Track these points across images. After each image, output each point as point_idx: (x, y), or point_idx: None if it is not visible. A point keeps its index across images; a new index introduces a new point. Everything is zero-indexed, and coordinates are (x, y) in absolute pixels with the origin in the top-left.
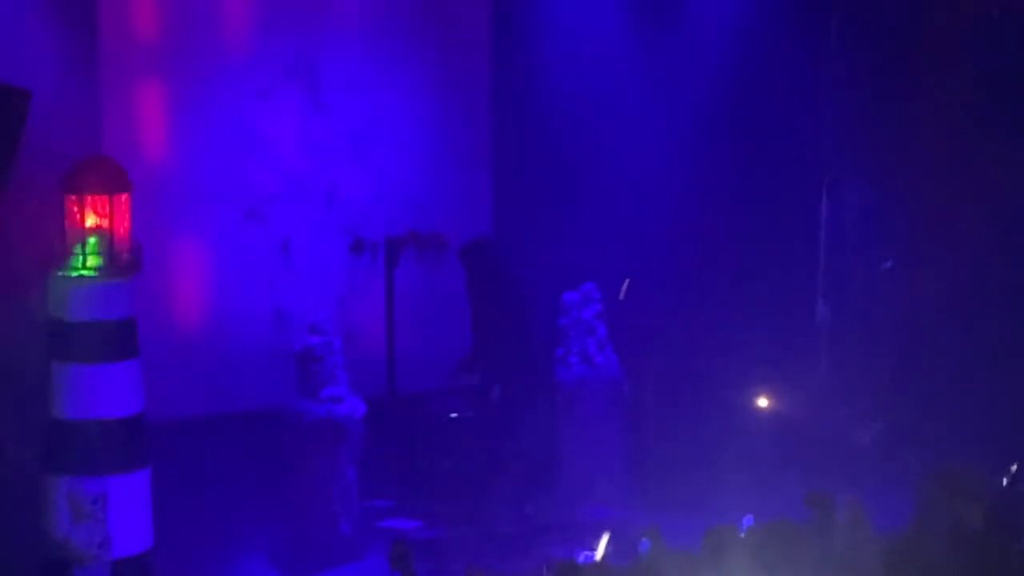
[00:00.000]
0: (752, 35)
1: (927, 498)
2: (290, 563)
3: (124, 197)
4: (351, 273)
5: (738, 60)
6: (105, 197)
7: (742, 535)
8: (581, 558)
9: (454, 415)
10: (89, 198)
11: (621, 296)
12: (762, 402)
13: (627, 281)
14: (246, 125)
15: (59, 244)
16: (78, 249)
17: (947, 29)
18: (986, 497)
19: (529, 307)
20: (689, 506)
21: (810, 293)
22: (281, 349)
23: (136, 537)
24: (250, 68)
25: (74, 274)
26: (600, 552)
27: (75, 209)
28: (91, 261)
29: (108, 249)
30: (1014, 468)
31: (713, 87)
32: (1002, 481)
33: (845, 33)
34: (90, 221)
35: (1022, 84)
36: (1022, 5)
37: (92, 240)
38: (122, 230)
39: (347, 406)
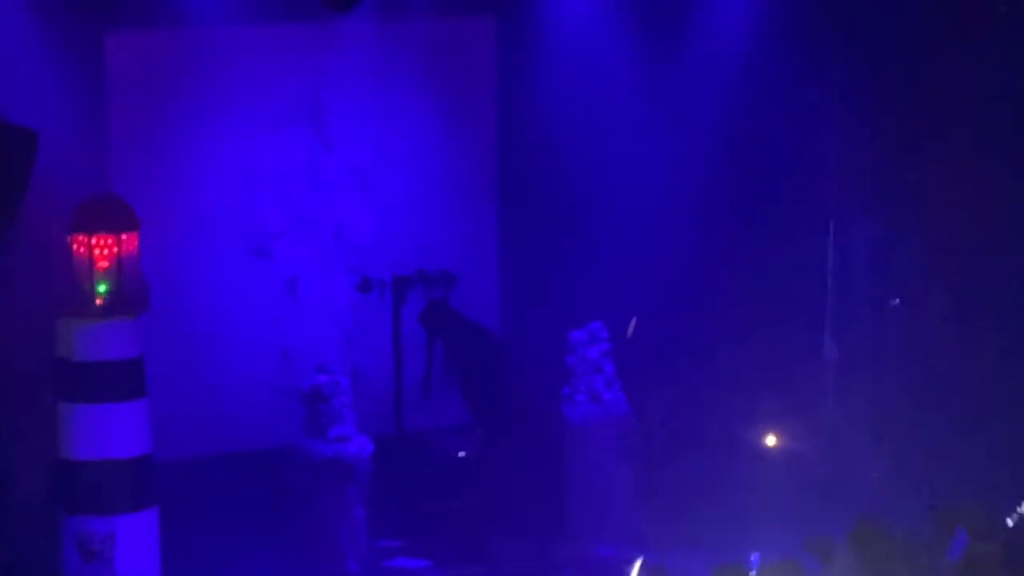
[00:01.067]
0: (758, 70)
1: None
2: None
3: (132, 236)
4: (358, 311)
5: (743, 95)
6: (113, 236)
7: (753, 575)
8: None
9: (462, 453)
10: (96, 237)
11: (628, 334)
12: (770, 439)
13: (634, 319)
14: (253, 163)
15: (66, 283)
16: (85, 288)
17: (956, 64)
18: (999, 534)
19: (504, 350)
20: (698, 544)
21: (817, 329)
22: (288, 388)
23: None
24: (258, 105)
25: (81, 313)
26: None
27: (82, 248)
28: (98, 300)
29: (115, 288)
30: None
31: (719, 124)
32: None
33: (852, 68)
34: (97, 260)
35: None
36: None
37: (99, 279)
38: (130, 269)
39: (355, 445)
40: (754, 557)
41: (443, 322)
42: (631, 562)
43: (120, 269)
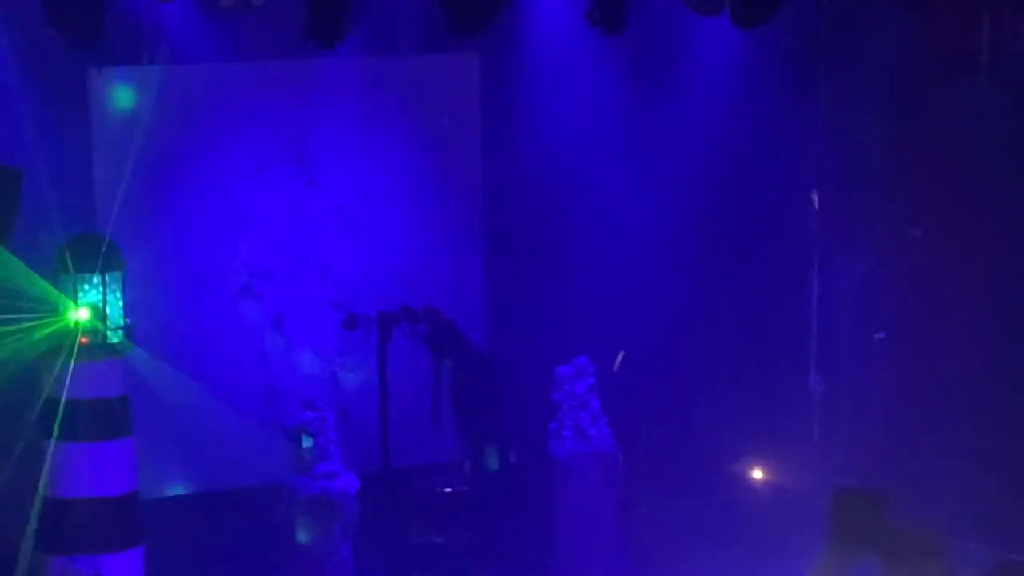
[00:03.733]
0: (743, 106)
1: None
2: None
3: (117, 275)
4: (344, 348)
5: (729, 130)
6: (98, 275)
7: None
8: None
9: (448, 489)
10: (81, 276)
11: (615, 368)
12: (757, 474)
13: (621, 354)
14: (239, 201)
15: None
16: (70, 327)
17: (942, 98)
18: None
19: (498, 372)
20: None
21: (803, 365)
22: (274, 425)
23: None
24: (243, 143)
25: (66, 352)
26: None
27: (67, 287)
28: (83, 339)
29: (101, 327)
30: None
31: (704, 158)
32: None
33: (836, 101)
34: (82, 299)
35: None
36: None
37: (84, 318)
38: (115, 308)
39: (341, 482)
40: None
41: (451, 344)
42: None
43: (105, 308)
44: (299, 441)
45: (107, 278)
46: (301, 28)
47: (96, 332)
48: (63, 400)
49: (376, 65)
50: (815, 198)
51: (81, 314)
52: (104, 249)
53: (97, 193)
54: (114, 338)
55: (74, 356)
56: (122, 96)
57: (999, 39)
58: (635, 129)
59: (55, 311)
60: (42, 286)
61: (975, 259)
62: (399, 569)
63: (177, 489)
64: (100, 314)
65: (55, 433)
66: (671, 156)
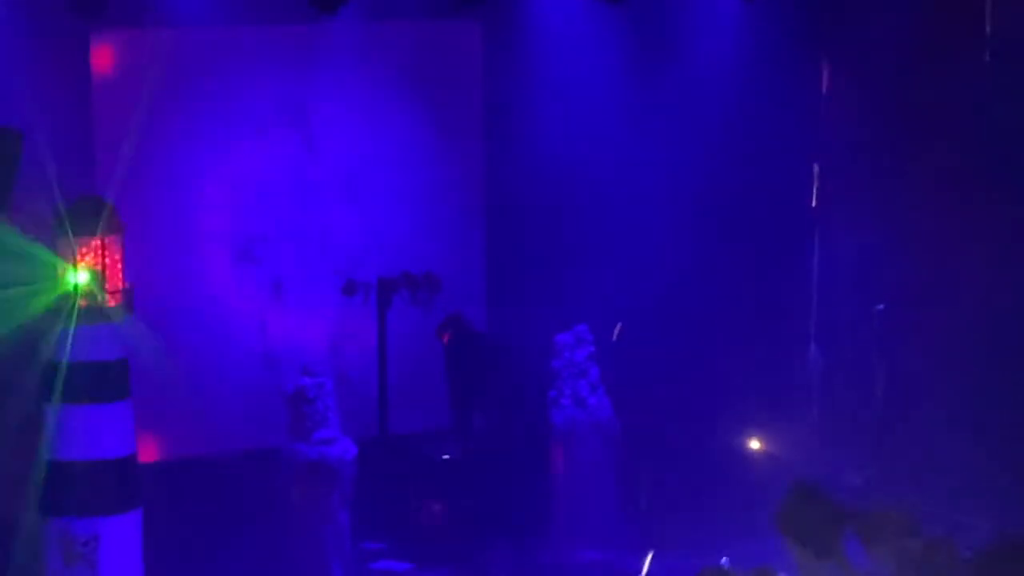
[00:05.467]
0: (747, 78)
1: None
2: None
3: (117, 238)
4: (343, 314)
5: (732, 101)
6: (97, 238)
7: None
8: None
9: (446, 456)
10: (81, 239)
11: (614, 338)
12: (754, 444)
13: (619, 325)
14: (239, 166)
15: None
16: (70, 290)
17: (945, 77)
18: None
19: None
20: (682, 548)
21: (803, 336)
22: (272, 390)
23: None
24: (243, 109)
25: (66, 315)
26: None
27: (67, 250)
28: (82, 302)
29: (100, 290)
30: None
31: (706, 129)
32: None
33: (840, 79)
34: (82, 262)
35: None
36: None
37: (84, 281)
38: (114, 271)
39: (339, 448)
40: (724, 561)
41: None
42: (614, 566)
43: (104, 271)
44: (296, 406)
45: (106, 241)
46: None
47: (95, 296)
48: (62, 363)
49: (378, 31)
50: (816, 170)
51: (80, 278)
52: (104, 212)
53: (97, 157)
54: (112, 302)
55: (73, 320)
56: (123, 60)
57: (1001, 15)
58: (636, 98)
59: (54, 275)
60: (40, 251)
61: (976, 231)
62: (397, 535)
63: (174, 453)
64: (99, 278)
65: (54, 396)
66: (672, 126)
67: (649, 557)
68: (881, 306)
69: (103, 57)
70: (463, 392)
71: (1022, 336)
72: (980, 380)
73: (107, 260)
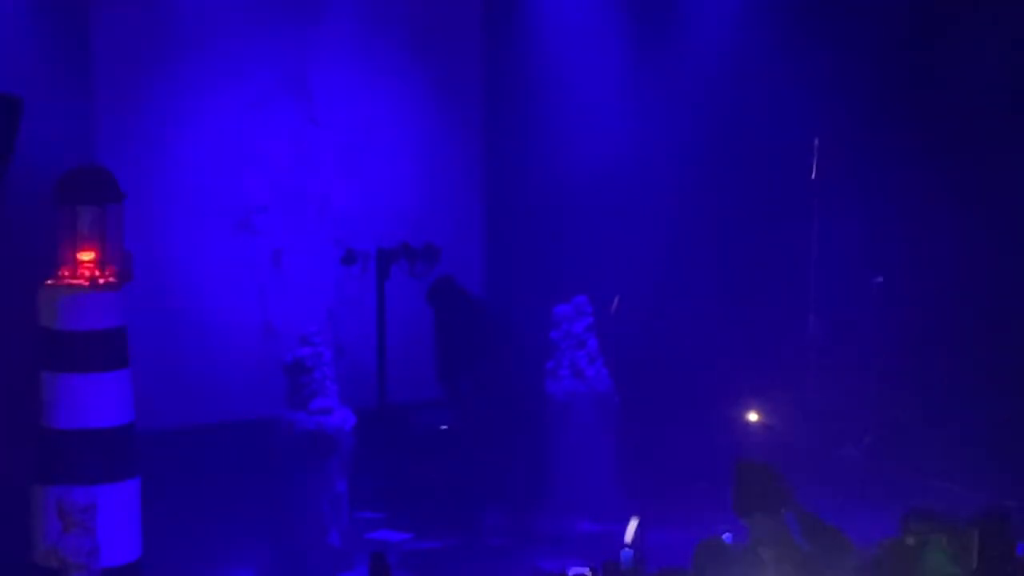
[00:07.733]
0: (744, 57)
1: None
2: (279, 574)
3: (116, 207)
4: (342, 284)
5: (729, 80)
6: (97, 207)
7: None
8: (571, 572)
9: (444, 427)
10: (80, 207)
11: (612, 310)
12: (752, 416)
13: (618, 297)
14: (238, 136)
15: (49, 253)
16: (69, 258)
17: (944, 41)
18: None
19: (504, 320)
20: (679, 519)
21: (802, 309)
22: (271, 359)
23: (125, 547)
24: (242, 79)
25: (64, 283)
26: (630, 536)
27: (66, 218)
28: (81, 270)
29: (99, 258)
30: None
31: (706, 108)
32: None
33: (836, 57)
34: (81, 230)
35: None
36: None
37: (83, 250)
38: (113, 239)
39: (337, 418)
40: (727, 536)
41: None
42: (611, 536)
43: (103, 239)
44: (294, 376)
45: (106, 209)
46: None
47: (92, 263)
48: (60, 331)
49: (378, 1)
50: (816, 144)
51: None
52: (103, 180)
53: (97, 125)
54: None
55: (71, 286)
56: (123, 28)
57: None
58: (638, 69)
59: None
60: None
61: (974, 204)
62: (394, 504)
63: (172, 422)
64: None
65: (51, 364)
66: (673, 101)
67: (633, 523)
68: (880, 278)
69: (102, 25)
70: (452, 355)
71: (1022, 306)
72: (980, 351)
73: (106, 228)
